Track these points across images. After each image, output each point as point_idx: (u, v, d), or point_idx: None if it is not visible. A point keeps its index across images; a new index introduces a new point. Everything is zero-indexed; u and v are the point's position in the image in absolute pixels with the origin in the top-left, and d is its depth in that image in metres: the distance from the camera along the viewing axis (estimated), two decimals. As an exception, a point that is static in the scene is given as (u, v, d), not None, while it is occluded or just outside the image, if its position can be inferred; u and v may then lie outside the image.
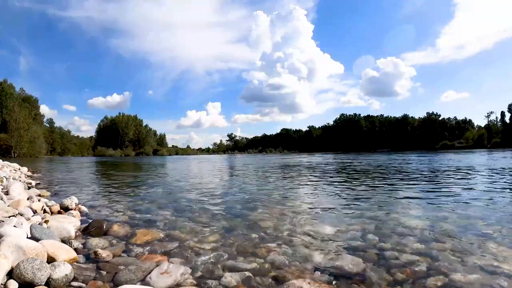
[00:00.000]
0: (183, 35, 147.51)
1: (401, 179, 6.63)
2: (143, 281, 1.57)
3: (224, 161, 23.82)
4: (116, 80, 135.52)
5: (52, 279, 1.48)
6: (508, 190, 4.68)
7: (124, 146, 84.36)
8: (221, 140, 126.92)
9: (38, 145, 59.17)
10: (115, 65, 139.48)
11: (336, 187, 5.57)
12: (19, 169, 9.45)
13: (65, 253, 1.79)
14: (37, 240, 1.87)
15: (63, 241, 2.08)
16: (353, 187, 5.56)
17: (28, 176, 8.17)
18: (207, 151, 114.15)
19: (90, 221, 2.71)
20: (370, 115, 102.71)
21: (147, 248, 2.09)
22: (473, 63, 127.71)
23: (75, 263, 1.78)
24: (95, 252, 1.93)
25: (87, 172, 11.86)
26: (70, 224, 2.48)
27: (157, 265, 1.73)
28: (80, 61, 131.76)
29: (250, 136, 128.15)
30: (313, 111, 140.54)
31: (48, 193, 4.72)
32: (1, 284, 1.38)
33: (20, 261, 1.47)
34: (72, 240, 2.14)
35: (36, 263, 1.46)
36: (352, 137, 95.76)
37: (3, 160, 12.11)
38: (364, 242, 2.19)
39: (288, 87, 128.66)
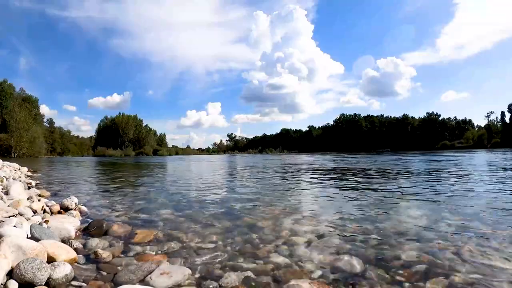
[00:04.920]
0: (183, 35, 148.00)
1: (401, 179, 6.62)
2: (143, 281, 1.57)
3: (224, 161, 23.82)
4: (116, 80, 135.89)
5: (52, 279, 1.48)
6: (508, 190, 4.67)
7: (124, 146, 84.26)
8: (221, 140, 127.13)
9: (38, 145, 59.18)
10: (115, 65, 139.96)
11: (336, 187, 5.57)
12: (19, 169, 9.45)
13: (65, 253, 1.79)
14: (37, 240, 1.87)
15: (63, 241, 2.08)
16: (353, 187, 5.56)
17: (28, 176, 8.17)
18: (207, 151, 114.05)
19: (90, 221, 2.71)
20: (370, 115, 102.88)
21: (147, 248, 2.09)
22: (473, 63, 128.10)
23: (75, 263, 1.78)
24: (95, 252, 1.93)
25: (87, 172, 11.86)
26: (70, 224, 2.48)
27: (157, 265, 1.73)
28: (80, 61, 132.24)
29: (250, 136, 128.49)
30: (313, 111, 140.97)
31: (48, 193, 4.72)
32: (1, 284, 1.38)
33: (20, 261, 1.47)
34: (72, 240, 2.14)
35: (36, 263, 1.46)
36: (352, 137, 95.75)
37: (3, 160, 12.10)
38: (364, 242, 2.19)
39: (288, 87, 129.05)
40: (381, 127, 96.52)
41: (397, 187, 5.37)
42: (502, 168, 9.22)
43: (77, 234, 2.39)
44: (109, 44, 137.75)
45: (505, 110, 72.74)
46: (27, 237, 1.92)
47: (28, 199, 3.32)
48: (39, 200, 3.38)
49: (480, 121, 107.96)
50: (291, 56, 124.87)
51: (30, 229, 2.02)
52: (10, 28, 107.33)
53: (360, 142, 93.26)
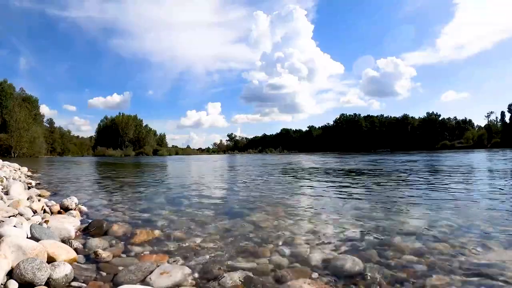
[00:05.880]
0: (183, 35, 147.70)
1: (401, 179, 6.62)
2: (143, 281, 1.57)
3: (224, 161, 23.82)
4: (116, 80, 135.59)
5: (52, 279, 1.48)
6: (508, 190, 4.68)
7: (124, 146, 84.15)
8: (221, 140, 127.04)
9: (38, 145, 59.11)
10: (115, 65, 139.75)
11: (336, 187, 5.57)
12: (19, 169, 9.45)
13: (65, 253, 1.79)
14: (37, 240, 1.87)
15: (63, 241, 2.08)
16: (353, 187, 5.56)
17: (28, 176, 8.17)
18: (207, 151, 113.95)
19: (90, 221, 2.71)
20: (370, 115, 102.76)
21: (147, 248, 2.09)
22: (473, 63, 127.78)
23: (75, 263, 1.78)
24: (95, 252, 1.93)
25: (87, 172, 11.86)
26: (70, 224, 2.48)
27: (157, 265, 1.73)
28: (80, 61, 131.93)
29: (250, 136, 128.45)
30: (313, 111, 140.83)
31: (48, 193, 4.72)
32: (1, 284, 1.38)
33: (20, 261, 1.47)
34: (72, 240, 2.14)
35: (36, 263, 1.46)
36: (352, 137, 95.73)
37: (3, 160, 12.10)
38: (364, 242, 2.19)
39: (288, 87, 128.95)
40: (381, 127, 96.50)
41: (397, 187, 5.37)
42: (502, 168, 9.22)
43: (77, 234, 2.39)
44: (109, 44, 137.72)
45: (505, 110, 72.79)
46: (27, 237, 1.92)
47: (28, 199, 3.31)
48: (39, 200, 3.38)
49: (480, 121, 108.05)
50: (291, 56, 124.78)
51: (30, 229, 2.02)
52: (10, 28, 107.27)
53: (360, 142, 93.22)
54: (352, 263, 1.76)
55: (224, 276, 1.63)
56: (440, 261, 1.79)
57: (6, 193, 3.54)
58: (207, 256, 1.92)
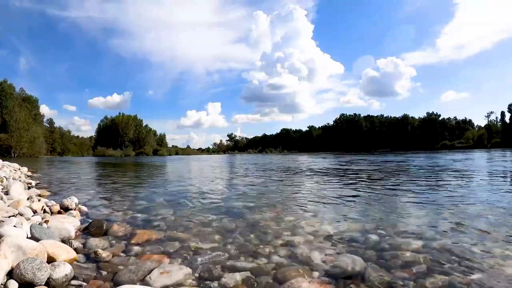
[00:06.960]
0: (183, 35, 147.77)
1: (401, 179, 6.62)
2: (143, 281, 1.57)
3: (224, 161, 23.82)
4: (116, 80, 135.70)
5: (52, 279, 1.48)
6: (508, 190, 4.68)
7: (124, 146, 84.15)
8: (221, 140, 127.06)
9: (38, 145, 59.12)
10: (115, 65, 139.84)
11: (336, 187, 5.57)
12: (19, 169, 9.45)
13: (65, 253, 1.79)
14: (37, 240, 1.87)
15: (63, 241, 2.08)
16: (353, 187, 5.56)
17: (28, 176, 8.17)
18: (207, 151, 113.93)
19: (90, 221, 2.71)
20: (370, 115, 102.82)
21: (147, 248, 2.09)
22: (473, 63, 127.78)
23: (75, 263, 1.78)
24: (95, 252, 1.93)
25: (87, 172, 11.86)
26: (70, 224, 2.48)
27: (157, 265, 1.73)
28: (80, 61, 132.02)
29: (250, 136, 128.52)
30: (313, 111, 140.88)
31: (48, 193, 4.72)
32: (1, 284, 1.38)
33: (20, 261, 1.47)
34: (72, 240, 2.14)
35: (36, 263, 1.46)
36: (352, 137, 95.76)
37: (3, 160, 12.10)
38: (364, 242, 2.19)
39: (288, 87, 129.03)
40: (381, 127, 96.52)
41: (397, 187, 5.37)
42: (502, 168, 9.22)
43: (77, 234, 2.39)
44: (109, 44, 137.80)
45: (505, 110, 72.76)
46: (27, 237, 1.92)
47: (28, 199, 3.31)
48: (39, 200, 3.38)
49: (480, 121, 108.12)
50: (291, 56, 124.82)
51: (30, 229, 2.02)
52: (10, 28, 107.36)
53: (360, 142, 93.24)
54: (352, 263, 1.76)
55: (224, 276, 1.63)
56: (440, 261, 1.79)
57: (6, 193, 3.54)
58: (207, 256, 1.92)
